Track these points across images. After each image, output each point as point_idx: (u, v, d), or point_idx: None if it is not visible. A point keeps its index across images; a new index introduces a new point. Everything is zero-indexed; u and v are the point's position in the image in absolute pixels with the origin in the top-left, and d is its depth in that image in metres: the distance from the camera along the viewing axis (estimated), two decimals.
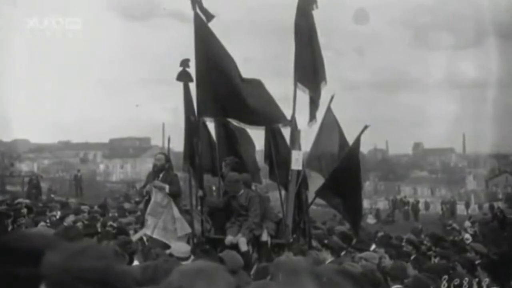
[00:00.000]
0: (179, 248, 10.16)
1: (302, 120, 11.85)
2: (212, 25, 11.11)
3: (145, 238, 11.67)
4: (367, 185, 32.42)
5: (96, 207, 30.97)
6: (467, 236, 10.03)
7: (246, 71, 11.36)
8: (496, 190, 22.50)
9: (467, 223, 11.14)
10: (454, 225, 10.83)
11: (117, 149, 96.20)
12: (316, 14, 11.59)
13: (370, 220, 13.85)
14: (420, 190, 27.97)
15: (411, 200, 23.75)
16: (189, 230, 11.48)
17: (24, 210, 17.81)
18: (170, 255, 10.35)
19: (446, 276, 7.46)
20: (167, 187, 11.29)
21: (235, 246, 10.86)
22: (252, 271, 8.85)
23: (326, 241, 10.23)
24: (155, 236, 11.35)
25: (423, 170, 36.65)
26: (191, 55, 11.13)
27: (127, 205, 28.89)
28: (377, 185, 32.58)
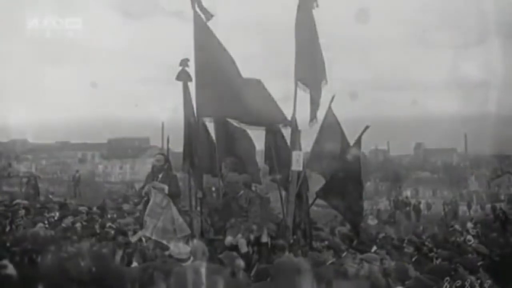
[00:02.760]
0: (179, 249, 10.07)
1: (302, 120, 11.76)
2: (211, 24, 11.06)
3: (144, 239, 11.57)
4: (368, 186, 32.29)
5: (94, 208, 30.76)
6: (469, 237, 9.95)
7: (247, 71, 11.29)
8: (498, 191, 22.37)
9: (469, 224, 11.08)
10: (456, 226, 10.77)
11: (116, 149, 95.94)
12: (317, 13, 11.52)
13: (371, 221, 13.82)
14: (422, 191, 27.86)
15: (413, 201, 23.60)
16: (188, 231, 11.40)
17: (22, 211, 17.66)
18: (170, 256, 10.26)
19: (448, 278, 7.37)
20: (166, 188, 11.20)
21: (235, 247, 10.78)
22: (253, 273, 8.75)
23: (326, 242, 10.11)
24: (154, 237, 11.26)
25: (424, 171, 36.52)
26: (190, 54, 11.06)
27: (126, 206, 28.71)
28: (378, 186, 32.44)
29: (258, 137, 11.96)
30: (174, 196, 11.39)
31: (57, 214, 20.49)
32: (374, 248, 12.17)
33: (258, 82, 11.07)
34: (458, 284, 6.84)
